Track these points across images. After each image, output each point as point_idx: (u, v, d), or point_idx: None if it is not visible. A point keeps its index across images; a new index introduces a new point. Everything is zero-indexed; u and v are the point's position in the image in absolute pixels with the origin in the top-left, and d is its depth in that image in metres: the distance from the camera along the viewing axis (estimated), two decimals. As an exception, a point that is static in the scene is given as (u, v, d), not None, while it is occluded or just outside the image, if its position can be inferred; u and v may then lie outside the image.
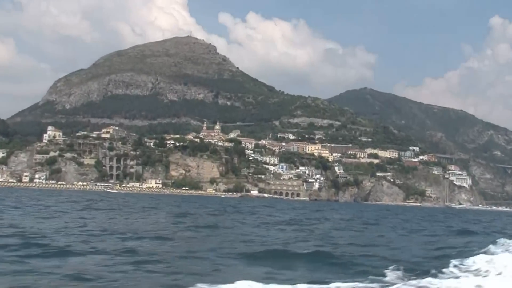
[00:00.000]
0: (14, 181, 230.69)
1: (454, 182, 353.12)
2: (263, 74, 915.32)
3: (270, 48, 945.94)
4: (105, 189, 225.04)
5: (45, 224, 35.79)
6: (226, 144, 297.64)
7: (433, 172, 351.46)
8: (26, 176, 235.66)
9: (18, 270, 17.71)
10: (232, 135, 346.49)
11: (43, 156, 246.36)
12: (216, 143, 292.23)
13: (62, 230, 32.01)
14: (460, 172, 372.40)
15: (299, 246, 28.31)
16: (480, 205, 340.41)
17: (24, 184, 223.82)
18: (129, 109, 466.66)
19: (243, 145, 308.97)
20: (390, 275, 17.63)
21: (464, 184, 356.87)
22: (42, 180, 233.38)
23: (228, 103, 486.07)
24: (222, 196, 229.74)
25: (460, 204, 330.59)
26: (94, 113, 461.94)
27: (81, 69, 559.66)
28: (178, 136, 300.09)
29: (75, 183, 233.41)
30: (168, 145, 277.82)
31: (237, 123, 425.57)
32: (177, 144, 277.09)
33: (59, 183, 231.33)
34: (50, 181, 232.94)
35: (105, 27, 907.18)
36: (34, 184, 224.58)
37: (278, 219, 59.73)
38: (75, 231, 31.53)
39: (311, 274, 19.06)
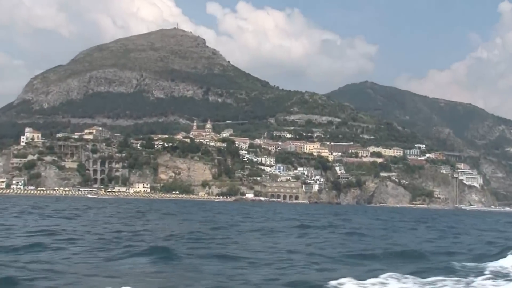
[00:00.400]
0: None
1: (464, 182, 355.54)
2: (256, 68, 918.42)
3: (263, 40, 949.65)
4: (88, 194, 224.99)
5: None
6: (219, 144, 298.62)
7: (441, 171, 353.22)
8: (2, 182, 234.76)
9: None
10: (225, 134, 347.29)
11: (20, 160, 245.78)
12: (208, 143, 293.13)
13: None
14: (470, 171, 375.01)
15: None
16: (493, 206, 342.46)
17: (0, 191, 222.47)
18: (112, 108, 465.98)
19: (237, 145, 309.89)
20: None
21: (475, 184, 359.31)
22: (20, 186, 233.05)
23: (219, 100, 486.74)
24: (217, 200, 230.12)
25: (471, 205, 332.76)
26: (75, 112, 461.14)
27: (59, 65, 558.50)
28: (166, 136, 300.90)
29: (56, 188, 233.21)
30: (156, 146, 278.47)
31: (230, 121, 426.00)
32: (166, 145, 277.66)
33: (39, 188, 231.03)
34: (29, 187, 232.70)
35: (84, 19, 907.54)
36: (11, 191, 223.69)
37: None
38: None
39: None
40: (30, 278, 19.30)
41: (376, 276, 20.05)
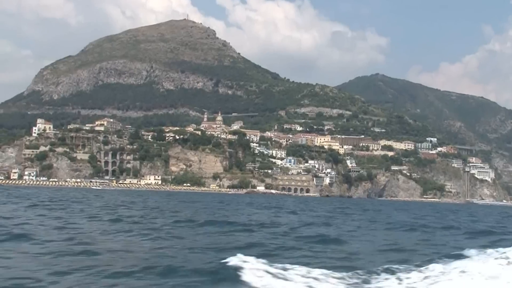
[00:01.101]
0: (2, 178, 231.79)
1: (476, 176, 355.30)
2: (265, 60, 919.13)
3: (272, 32, 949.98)
4: (100, 186, 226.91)
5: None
6: (230, 136, 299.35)
7: (453, 165, 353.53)
8: (14, 172, 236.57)
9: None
10: (235, 126, 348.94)
11: (32, 151, 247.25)
12: (219, 135, 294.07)
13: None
14: (482, 165, 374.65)
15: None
16: (504, 201, 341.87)
17: (13, 182, 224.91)
18: (122, 99, 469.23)
19: (248, 138, 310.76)
20: None
21: (487, 178, 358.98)
22: (32, 177, 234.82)
23: (229, 92, 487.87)
24: (229, 193, 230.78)
25: (483, 199, 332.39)
26: (84, 104, 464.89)
27: (69, 56, 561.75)
28: (177, 128, 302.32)
29: (68, 180, 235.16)
30: (167, 138, 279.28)
31: (240, 113, 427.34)
32: (177, 137, 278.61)
33: (51, 180, 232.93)
34: (41, 178, 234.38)
35: (92, 9, 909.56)
36: (24, 182, 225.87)
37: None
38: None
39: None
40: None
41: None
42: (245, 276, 15.58)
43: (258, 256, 18.45)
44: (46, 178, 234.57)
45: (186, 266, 18.51)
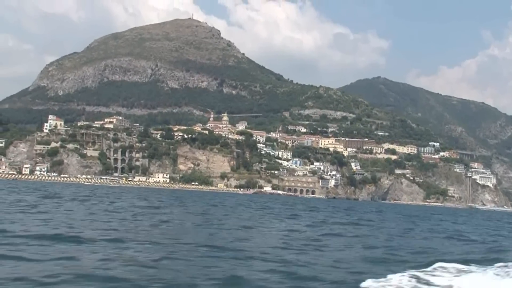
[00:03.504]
0: (14, 172, 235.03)
1: (477, 181, 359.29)
2: (266, 60, 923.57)
3: (274, 32, 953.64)
4: (110, 183, 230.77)
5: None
6: (236, 136, 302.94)
7: (455, 170, 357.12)
8: (26, 167, 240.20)
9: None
10: (240, 127, 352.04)
11: (44, 147, 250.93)
12: (227, 135, 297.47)
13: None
14: (484, 170, 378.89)
15: None
16: (505, 207, 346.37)
17: (25, 177, 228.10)
18: (126, 96, 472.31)
19: (254, 138, 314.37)
20: None
21: (488, 183, 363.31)
22: (44, 172, 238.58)
23: (234, 92, 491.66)
24: (241, 193, 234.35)
25: (484, 205, 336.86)
26: (89, 100, 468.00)
27: (74, 52, 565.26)
28: (186, 127, 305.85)
29: (78, 176, 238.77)
30: (175, 137, 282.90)
31: (244, 114, 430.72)
32: (186, 136, 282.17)
33: (62, 175, 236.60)
34: (52, 174, 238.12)
35: (94, 5, 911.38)
36: (35, 177, 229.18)
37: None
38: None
39: None
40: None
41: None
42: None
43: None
44: (57, 174, 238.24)
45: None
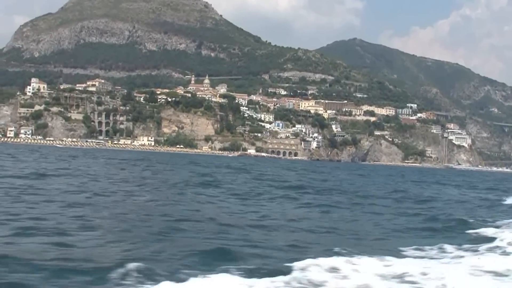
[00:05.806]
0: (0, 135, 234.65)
1: (453, 142, 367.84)
2: (241, 20, 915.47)
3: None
4: (96, 146, 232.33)
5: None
6: (219, 99, 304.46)
7: (432, 131, 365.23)
8: (10, 130, 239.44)
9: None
10: (221, 90, 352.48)
11: (27, 110, 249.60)
12: (210, 98, 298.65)
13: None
14: (459, 131, 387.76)
15: None
16: (479, 166, 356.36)
17: (10, 139, 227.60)
18: (104, 59, 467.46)
19: (237, 101, 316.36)
20: None
21: (464, 144, 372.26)
22: (28, 135, 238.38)
23: (212, 54, 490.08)
24: (230, 156, 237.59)
25: (459, 164, 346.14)
26: (67, 62, 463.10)
27: (49, 13, 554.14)
28: (169, 90, 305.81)
29: (64, 139, 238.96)
30: (159, 100, 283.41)
31: (223, 76, 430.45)
32: (169, 100, 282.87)
33: (47, 139, 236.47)
34: (37, 137, 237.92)
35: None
36: (20, 140, 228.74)
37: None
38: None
39: None
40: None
41: None
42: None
43: None
44: (42, 137, 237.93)
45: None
